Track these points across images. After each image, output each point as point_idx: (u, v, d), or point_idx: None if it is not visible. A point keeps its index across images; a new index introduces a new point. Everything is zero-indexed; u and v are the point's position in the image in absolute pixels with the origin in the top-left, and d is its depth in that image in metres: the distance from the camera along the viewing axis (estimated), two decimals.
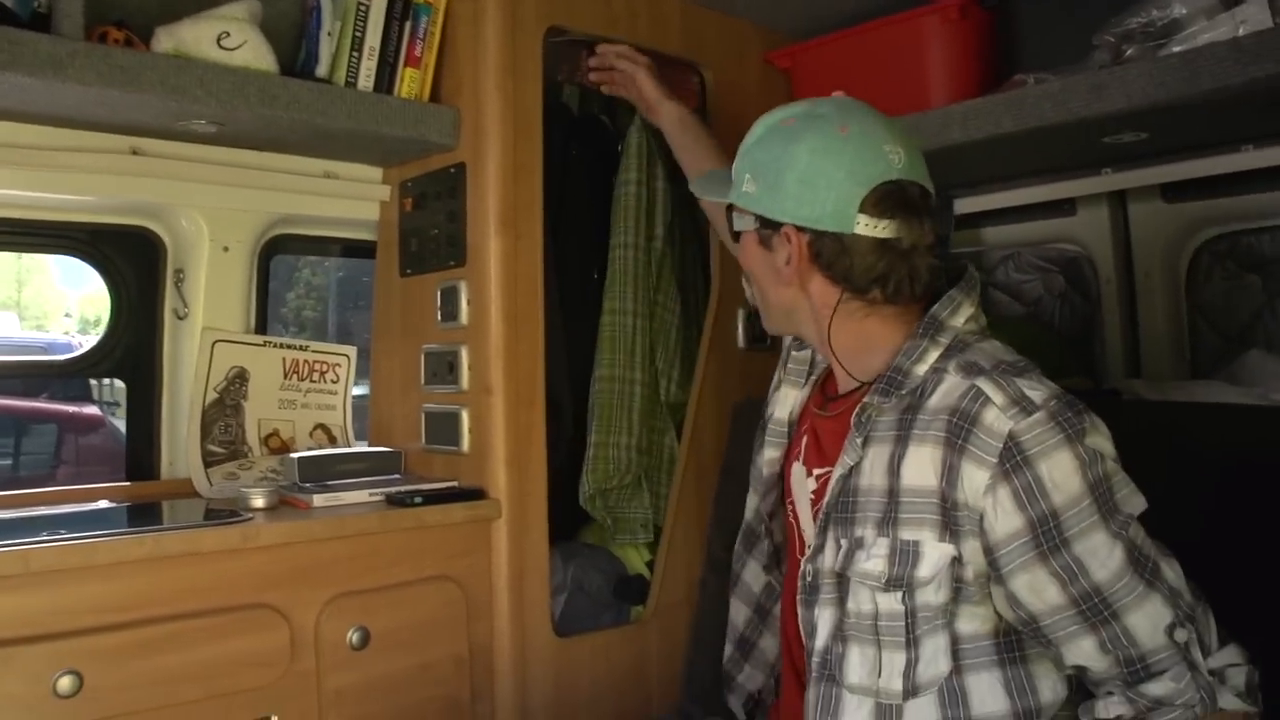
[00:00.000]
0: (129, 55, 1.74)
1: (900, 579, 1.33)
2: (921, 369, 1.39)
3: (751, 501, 1.78)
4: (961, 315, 1.44)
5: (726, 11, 2.42)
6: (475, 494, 2.01)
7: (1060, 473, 1.26)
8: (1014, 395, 1.28)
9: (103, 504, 2.08)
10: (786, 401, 1.69)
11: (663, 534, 2.30)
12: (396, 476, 2.14)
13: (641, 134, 2.30)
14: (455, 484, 2.06)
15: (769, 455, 1.70)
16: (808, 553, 1.49)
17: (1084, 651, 1.30)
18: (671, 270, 2.37)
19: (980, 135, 1.97)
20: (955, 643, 1.33)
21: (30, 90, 1.70)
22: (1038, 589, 1.28)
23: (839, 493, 1.43)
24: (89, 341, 2.35)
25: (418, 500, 1.94)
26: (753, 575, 1.80)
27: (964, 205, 2.70)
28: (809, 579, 1.47)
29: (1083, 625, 1.28)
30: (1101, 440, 1.30)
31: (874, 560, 1.35)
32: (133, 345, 2.27)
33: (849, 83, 2.14)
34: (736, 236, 1.56)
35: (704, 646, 2.22)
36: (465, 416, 2.07)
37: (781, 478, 1.69)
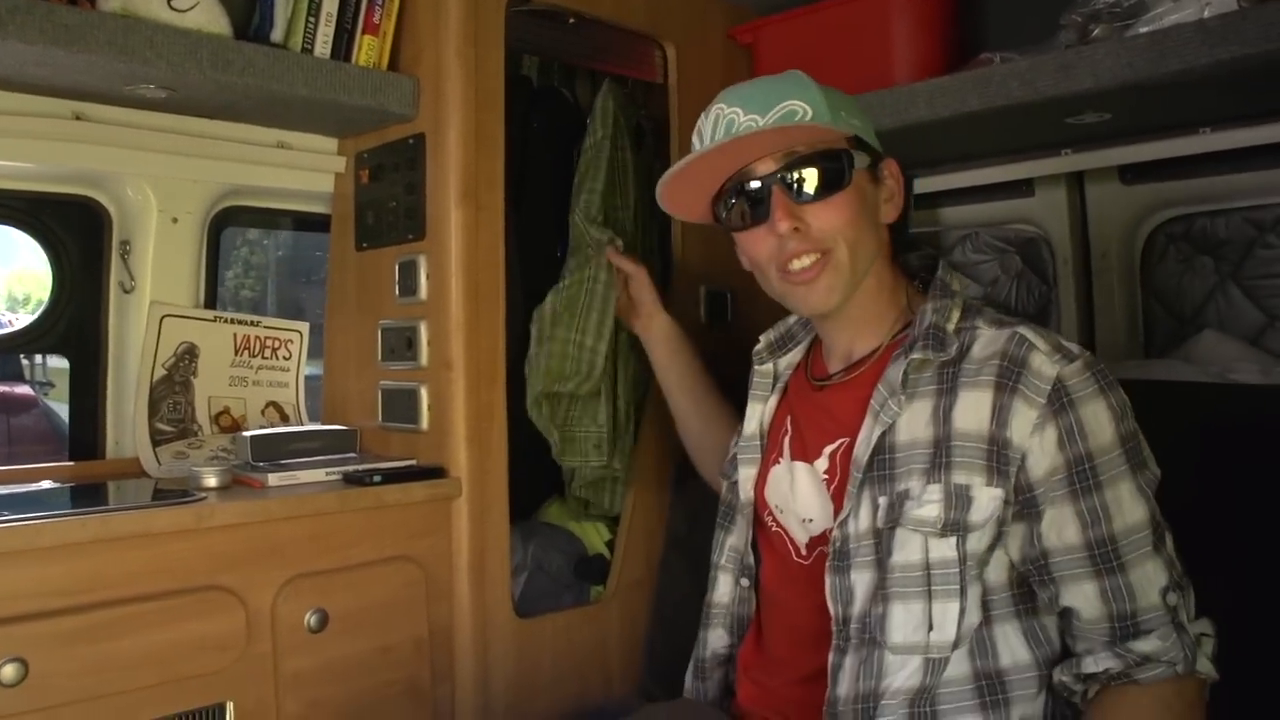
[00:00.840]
0: (75, 13, 1.66)
1: (956, 523, 1.35)
2: (951, 326, 1.45)
3: (732, 540, 1.73)
4: (958, 282, 1.53)
5: None
6: (435, 472, 1.97)
7: (1099, 420, 1.33)
8: (1055, 343, 1.37)
9: (46, 484, 2.01)
10: (754, 416, 1.69)
11: (622, 512, 2.28)
12: (352, 455, 2.09)
13: (608, 98, 2.26)
14: (414, 463, 2.01)
15: (746, 474, 1.68)
16: (839, 518, 1.46)
17: (1084, 595, 1.33)
18: (638, 244, 2.34)
19: (946, 113, 1.96)
20: (985, 593, 1.38)
21: None
22: (1060, 526, 1.33)
23: (876, 451, 1.43)
24: (21, 321, 2.26)
25: (377, 479, 1.90)
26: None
27: (922, 185, 2.71)
28: (839, 545, 1.45)
29: (1089, 570, 1.32)
30: (1124, 396, 1.37)
31: (927, 507, 1.37)
32: (76, 319, 2.19)
33: (813, 59, 2.13)
34: (841, 182, 1.46)
35: (665, 625, 2.20)
36: (424, 393, 2.03)
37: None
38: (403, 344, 2.06)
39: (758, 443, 1.68)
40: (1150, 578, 1.32)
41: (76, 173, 2.09)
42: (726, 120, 1.46)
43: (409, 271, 2.05)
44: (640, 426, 2.29)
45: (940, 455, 1.38)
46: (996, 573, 1.39)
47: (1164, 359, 2.29)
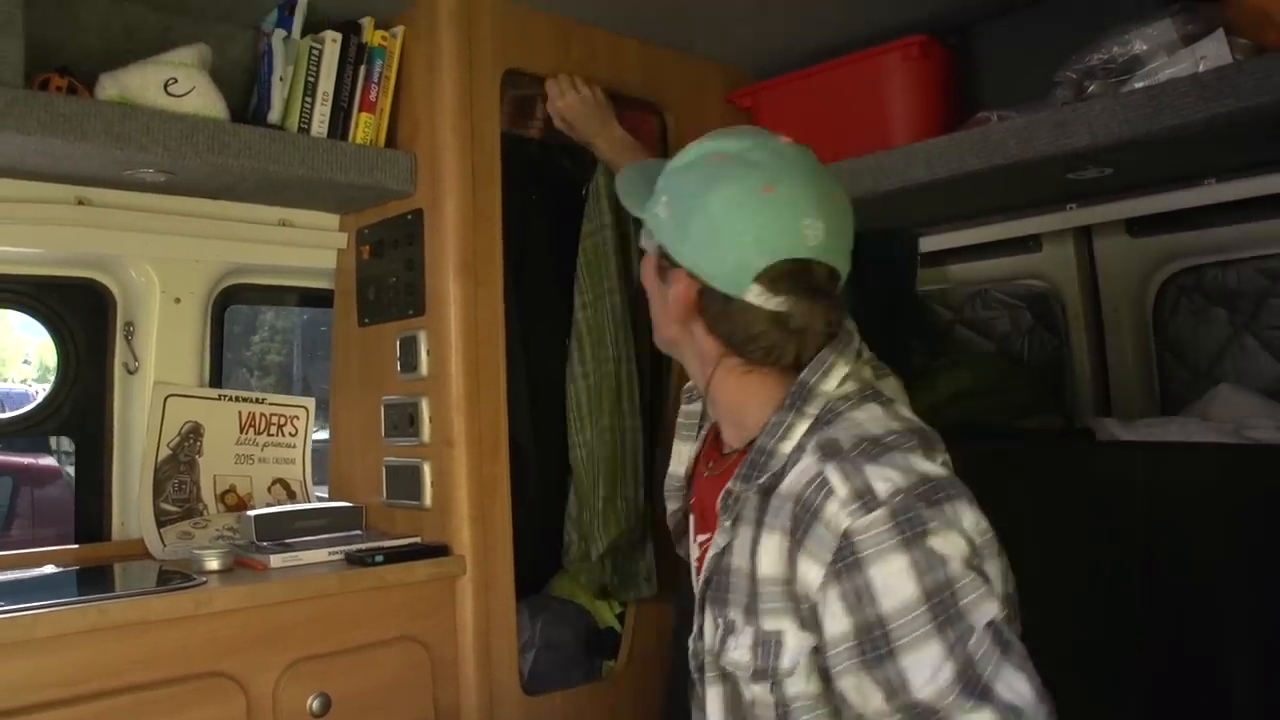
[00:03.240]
0: (71, 103, 1.69)
1: (765, 671, 1.25)
2: (787, 446, 1.29)
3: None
4: (834, 378, 1.32)
5: (687, 51, 2.40)
6: (438, 550, 1.95)
7: (893, 578, 1.15)
8: (858, 487, 1.18)
9: (49, 569, 2.00)
10: (680, 456, 1.59)
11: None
12: (358, 533, 2.07)
13: (606, 178, 2.26)
14: (418, 540, 2.00)
15: (671, 508, 1.61)
16: (693, 632, 1.40)
17: None
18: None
19: (945, 174, 1.95)
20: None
21: None
22: (864, 693, 1.18)
23: (713, 570, 1.34)
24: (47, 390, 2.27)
25: (378, 559, 1.88)
26: None
27: (929, 243, 2.69)
28: (697, 658, 1.39)
29: None
30: (952, 540, 1.17)
31: (740, 650, 1.28)
32: (81, 401, 2.20)
33: (811, 122, 2.14)
34: (640, 252, 1.46)
35: (679, 699, 2.15)
36: (427, 470, 2.01)
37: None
38: (405, 420, 2.05)
39: (681, 484, 1.59)
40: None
41: (80, 256, 2.11)
42: None
43: (410, 347, 2.05)
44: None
45: (753, 597, 1.27)
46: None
47: (1179, 416, 2.25)
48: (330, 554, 1.93)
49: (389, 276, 2.12)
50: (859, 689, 1.18)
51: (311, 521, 2.05)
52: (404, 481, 2.07)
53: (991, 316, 2.74)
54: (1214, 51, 1.68)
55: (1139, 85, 1.74)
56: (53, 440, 8.46)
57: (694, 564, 1.45)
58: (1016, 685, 1.13)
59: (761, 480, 1.28)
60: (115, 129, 1.70)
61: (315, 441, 2.39)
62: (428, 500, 2.02)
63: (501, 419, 2.01)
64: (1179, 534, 1.42)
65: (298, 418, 2.36)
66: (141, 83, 1.79)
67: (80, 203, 2.00)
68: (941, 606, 1.14)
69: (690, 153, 1.36)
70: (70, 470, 8.11)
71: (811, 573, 1.19)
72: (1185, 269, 2.46)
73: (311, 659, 1.77)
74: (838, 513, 1.17)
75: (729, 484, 1.32)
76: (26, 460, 7.96)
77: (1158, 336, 2.52)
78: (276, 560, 1.87)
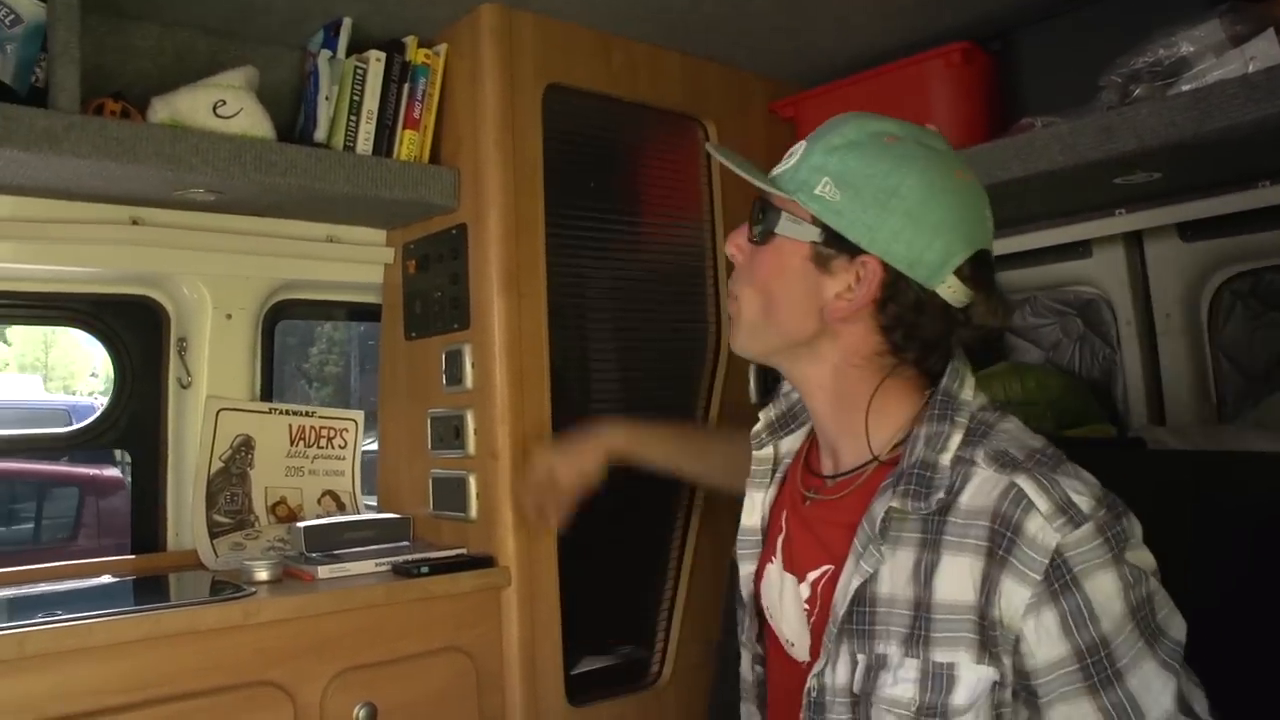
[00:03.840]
0: (124, 127, 1.73)
1: (934, 707, 1.14)
2: (946, 459, 1.20)
3: (747, 622, 1.52)
4: (969, 387, 1.27)
5: (728, 62, 2.40)
6: (484, 562, 1.97)
7: (1107, 596, 1.10)
8: (1060, 501, 1.11)
9: (106, 579, 2.05)
10: (754, 508, 1.47)
11: (678, 597, 2.24)
12: (405, 544, 2.10)
13: None
14: (463, 552, 2.01)
15: (746, 571, 1.48)
16: (816, 667, 1.27)
17: None
18: None
19: (988, 181, 1.91)
20: None
21: (27, 164, 1.69)
22: None
23: (855, 601, 1.22)
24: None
25: (424, 570, 1.90)
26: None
27: None
28: (814, 695, 1.26)
29: None
30: (1144, 553, 1.15)
31: (902, 685, 1.16)
32: (137, 415, 2.25)
33: None
34: (765, 236, 1.30)
35: (724, 712, 2.15)
36: (472, 482, 2.03)
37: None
38: (450, 433, 2.07)
39: (757, 537, 1.47)
40: None
41: (135, 274, 2.17)
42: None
43: (455, 361, 2.07)
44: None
45: (920, 624, 1.16)
46: None
47: (1233, 423, 2.20)
48: (377, 565, 1.95)
49: (434, 290, 2.14)
50: (1070, 718, 1.11)
51: (360, 533, 2.08)
52: (450, 493, 2.09)
53: (1041, 324, 2.70)
54: (1264, 51, 1.64)
55: (1186, 88, 1.71)
56: (117, 452, 8.66)
57: (801, 606, 1.34)
58: (1203, 701, 1.12)
59: (938, 495, 1.18)
60: (166, 151, 1.75)
61: (366, 452, 2.43)
62: (473, 512, 2.03)
63: (546, 432, 2.03)
64: (1232, 544, 1.38)
65: (347, 430, 2.39)
66: (191, 105, 1.83)
67: (134, 222, 2.05)
68: (1145, 623, 1.11)
69: (848, 130, 1.26)
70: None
71: (1018, 595, 1.11)
72: (1240, 273, 2.41)
73: (358, 669, 1.79)
74: (1043, 528, 1.11)
75: (891, 503, 1.20)
76: (92, 471, 8.15)
77: (1212, 343, 2.46)
78: (324, 571, 1.90)
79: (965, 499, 1.17)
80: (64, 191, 1.93)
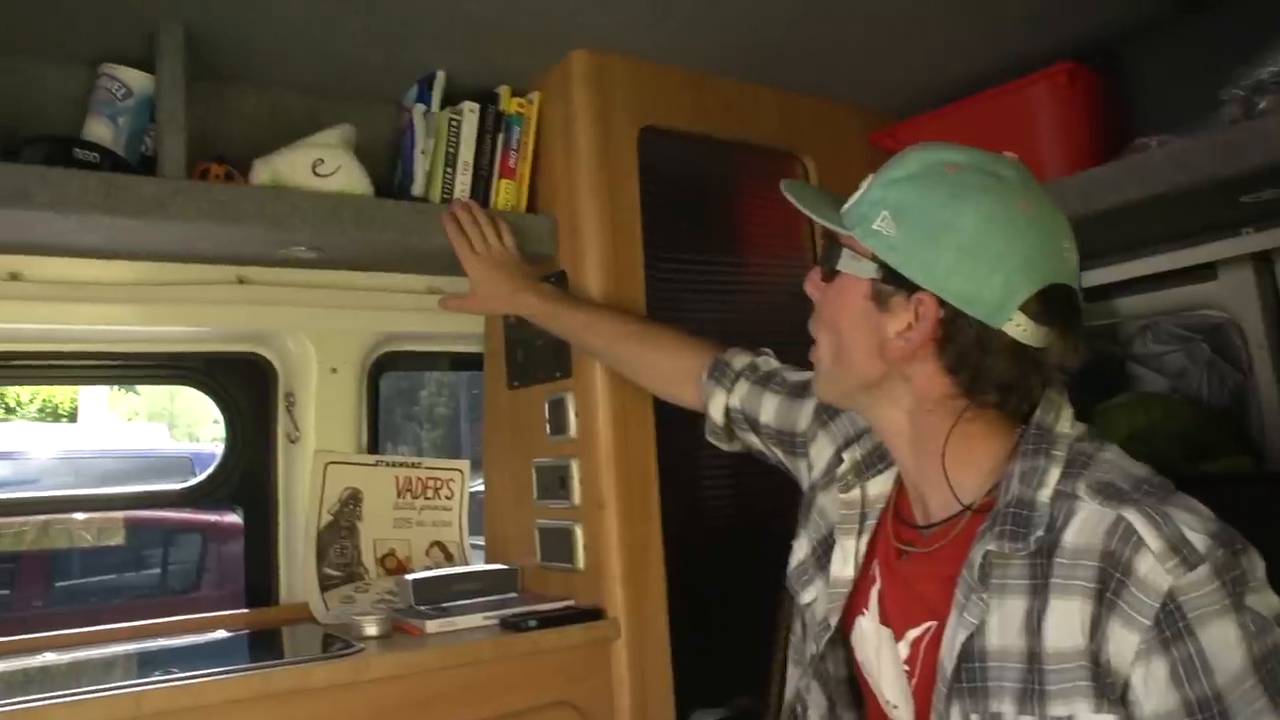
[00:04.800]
0: (226, 189, 1.77)
1: None
2: (1045, 494, 1.13)
3: (794, 675, 1.48)
4: (1065, 419, 1.20)
5: (824, 95, 2.36)
6: (592, 614, 1.93)
7: (1224, 646, 1.01)
8: (1172, 538, 1.04)
9: (221, 634, 2.08)
10: (846, 557, 1.38)
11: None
12: (513, 595, 2.08)
13: None
14: (571, 603, 1.98)
15: (833, 620, 1.38)
16: None
17: None
18: None
19: (1103, 206, 1.84)
20: None
21: (139, 230, 1.74)
22: None
23: (963, 657, 1.14)
24: None
25: (532, 624, 1.87)
26: None
27: (1092, 277, 2.55)
28: None
29: None
30: (1268, 597, 1.05)
31: None
32: (249, 470, 2.29)
33: None
34: (832, 275, 1.27)
35: None
36: (579, 533, 2.01)
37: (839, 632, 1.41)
38: (556, 483, 2.05)
39: (848, 589, 1.37)
40: None
41: (243, 332, 2.21)
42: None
43: (558, 410, 2.05)
44: None
45: (1034, 677, 1.09)
46: None
47: None
48: (485, 619, 1.93)
49: (536, 339, 2.13)
50: None
51: (468, 585, 2.07)
52: (557, 544, 2.07)
53: (1163, 351, 2.58)
54: None
55: None
56: None
57: (901, 666, 1.27)
58: None
59: (1039, 534, 1.11)
60: (267, 211, 1.77)
61: (474, 492, 2.42)
62: (580, 563, 2.01)
63: (652, 481, 1.99)
64: None
65: (453, 480, 2.39)
66: (290, 165, 1.86)
67: (241, 281, 2.10)
68: (1272, 677, 1.02)
69: (910, 163, 1.21)
70: None
71: (1126, 641, 1.03)
72: None
73: None
74: (1154, 569, 1.03)
75: (989, 547, 1.13)
76: (213, 518, 8.39)
77: None
78: (433, 626, 1.88)
79: (1070, 536, 1.10)
80: (174, 254, 1.99)
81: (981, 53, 2.17)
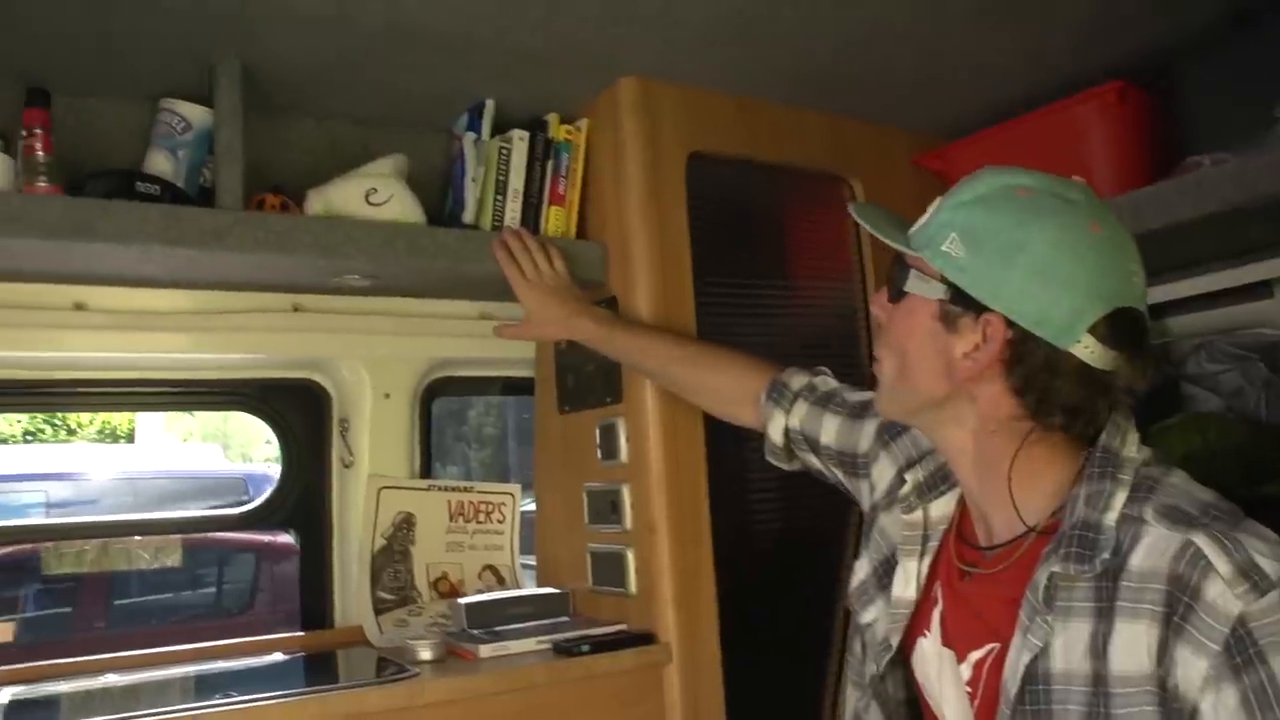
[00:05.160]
0: (282, 220, 1.80)
1: None
2: (1111, 518, 1.13)
3: (853, 696, 1.47)
4: (1132, 443, 1.20)
5: (871, 118, 2.36)
6: (644, 639, 1.94)
7: None
8: (1243, 564, 1.02)
9: (278, 656, 2.11)
10: (909, 578, 1.38)
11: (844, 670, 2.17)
12: (565, 619, 2.09)
13: None
14: (624, 628, 1.99)
15: (894, 641, 1.38)
16: None
17: None
18: None
19: (1156, 225, 1.83)
20: None
21: (198, 260, 1.78)
22: None
23: (1026, 680, 1.14)
24: None
25: (585, 648, 1.88)
26: None
27: None
28: None
29: None
30: None
31: None
32: (303, 496, 2.32)
33: None
34: (899, 296, 1.28)
35: None
36: (630, 557, 2.01)
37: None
38: (607, 507, 2.06)
39: (910, 610, 1.37)
40: None
41: (298, 359, 2.25)
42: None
43: (609, 435, 2.06)
44: None
45: (1099, 701, 1.08)
46: None
47: None
48: (538, 643, 1.95)
49: (586, 364, 2.15)
50: None
51: (520, 609, 2.08)
52: (608, 568, 2.08)
53: (1218, 370, 2.54)
54: None
55: None
56: None
57: (964, 689, 1.26)
58: None
59: (1104, 557, 1.11)
60: (321, 241, 1.80)
61: (525, 513, 2.44)
62: (632, 587, 2.02)
63: (703, 505, 2.00)
64: None
65: (504, 504, 2.41)
66: (344, 195, 1.89)
67: (296, 309, 2.13)
68: None
69: (979, 185, 1.22)
70: None
71: (1195, 667, 1.02)
72: None
73: None
74: (1224, 594, 1.02)
75: (1053, 568, 1.13)
76: (266, 538, 8.48)
77: None
78: (486, 650, 1.90)
79: (1137, 560, 1.09)
80: (231, 283, 2.03)
81: (1029, 73, 2.16)
